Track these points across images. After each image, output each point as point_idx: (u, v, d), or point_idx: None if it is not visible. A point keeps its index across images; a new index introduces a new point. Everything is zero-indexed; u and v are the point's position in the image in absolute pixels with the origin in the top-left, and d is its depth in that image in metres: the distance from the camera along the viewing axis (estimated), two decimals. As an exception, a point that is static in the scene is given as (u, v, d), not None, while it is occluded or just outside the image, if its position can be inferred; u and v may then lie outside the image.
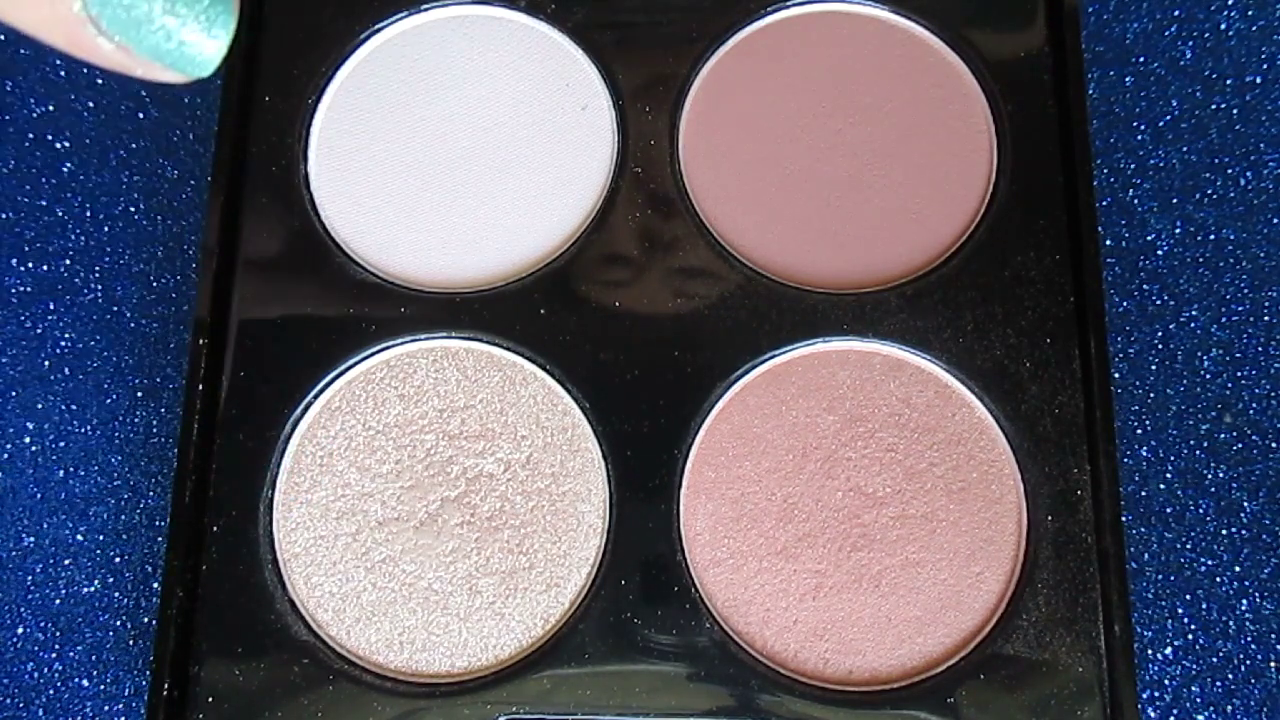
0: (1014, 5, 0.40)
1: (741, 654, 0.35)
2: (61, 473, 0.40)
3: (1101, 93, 0.43)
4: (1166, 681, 0.37)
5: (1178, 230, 0.41)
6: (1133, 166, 0.42)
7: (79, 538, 0.39)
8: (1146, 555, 0.38)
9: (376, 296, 0.38)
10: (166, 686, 0.34)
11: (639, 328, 0.37)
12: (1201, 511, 0.39)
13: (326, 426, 0.37)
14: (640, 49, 0.40)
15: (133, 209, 0.42)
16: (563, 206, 0.39)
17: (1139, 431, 0.39)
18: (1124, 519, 0.35)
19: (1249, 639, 0.38)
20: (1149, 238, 0.41)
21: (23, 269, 0.42)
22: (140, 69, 0.23)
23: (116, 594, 0.39)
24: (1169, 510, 0.39)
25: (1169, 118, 0.42)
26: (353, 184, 0.39)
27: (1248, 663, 0.37)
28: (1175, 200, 0.42)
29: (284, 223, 0.39)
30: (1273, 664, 0.37)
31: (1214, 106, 0.42)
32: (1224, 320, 0.40)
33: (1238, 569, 0.38)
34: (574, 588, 0.35)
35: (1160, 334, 0.40)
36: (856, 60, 0.40)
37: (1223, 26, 0.43)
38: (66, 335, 0.41)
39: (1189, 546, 0.38)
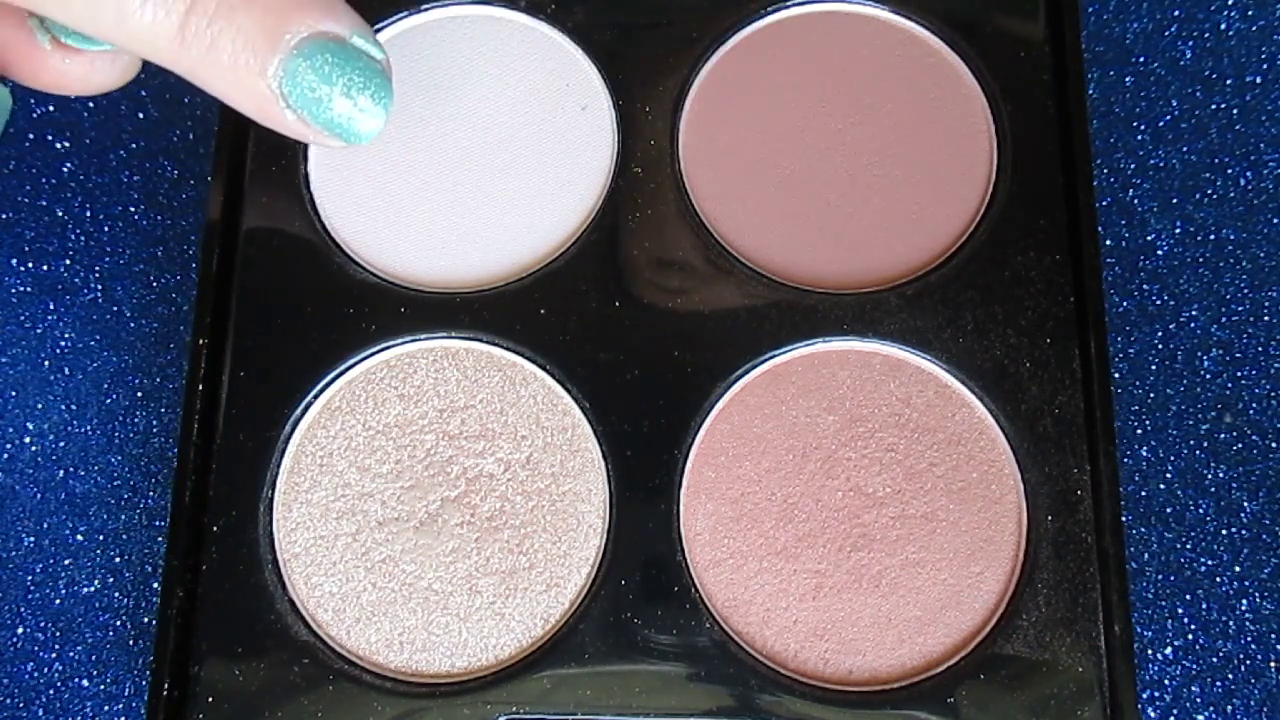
0: (1014, 5, 0.40)
1: (741, 654, 0.35)
2: (61, 473, 0.40)
3: (1101, 93, 0.43)
4: (1166, 681, 0.37)
5: (1178, 230, 0.41)
6: (1133, 166, 0.42)
7: (79, 538, 0.39)
8: (1146, 555, 0.38)
9: (376, 296, 0.38)
10: (166, 686, 0.34)
11: (639, 328, 0.37)
12: (1201, 511, 0.39)
13: (326, 426, 0.37)
14: (640, 49, 0.40)
15: (133, 209, 0.42)
16: (563, 206, 0.39)
17: (1139, 431, 0.39)
18: (1124, 519, 0.35)
19: (1249, 639, 0.38)
20: (1149, 238, 0.41)
21: (23, 269, 0.42)
22: (313, 136, 0.26)
23: (116, 594, 0.39)
24: (1169, 510, 0.39)
25: (1169, 118, 0.42)
26: (353, 184, 0.39)
27: (1248, 663, 0.37)
28: (1175, 200, 0.42)
29: (284, 223, 0.39)
30: (1273, 664, 0.37)
31: (1214, 106, 0.42)
32: (1224, 320, 0.40)
33: (1238, 569, 0.38)
34: (574, 588, 0.35)
35: (1160, 334, 0.40)
36: (856, 60, 0.40)
37: (1223, 26, 0.43)
38: (66, 335, 0.41)
39: (1189, 546, 0.38)
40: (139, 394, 0.41)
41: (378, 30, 0.40)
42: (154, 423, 0.40)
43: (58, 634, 0.38)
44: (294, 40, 0.25)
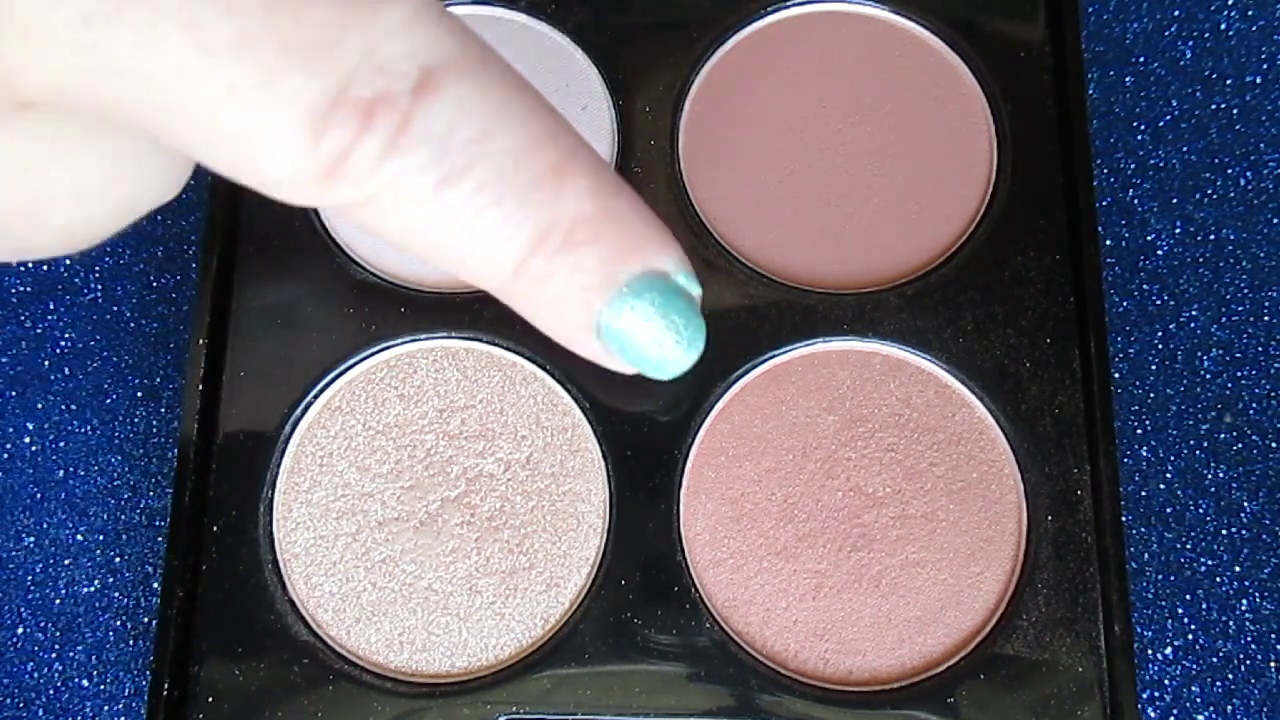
0: (1014, 5, 0.40)
1: (741, 654, 0.35)
2: (61, 473, 0.40)
3: (1101, 93, 0.43)
4: (1166, 681, 0.37)
5: (1178, 230, 0.41)
6: (1133, 166, 0.42)
7: (79, 538, 0.39)
8: (1146, 555, 0.38)
9: (376, 296, 0.38)
10: (166, 686, 0.34)
11: (639, 328, 0.37)
12: (1201, 511, 0.39)
13: (326, 426, 0.37)
14: (640, 49, 0.40)
15: (133, 209, 0.42)
16: (563, 206, 0.39)
17: (1139, 431, 0.39)
18: (1124, 519, 0.35)
19: (1249, 639, 0.38)
20: (1149, 238, 0.41)
21: (23, 269, 0.42)
22: (612, 364, 0.24)
23: (116, 594, 0.39)
24: (1169, 510, 0.39)
25: (1169, 118, 0.42)
26: (353, 184, 0.39)
27: (1248, 663, 0.37)
28: (1175, 200, 0.42)
29: (284, 223, 0.39)
30: (1273, 664, 0.37)
31: (1214, 106, 0.42)
32: (1224, 320, 0.40)
33: (1238, 569, 0.38)
34: (574, 588, 0.35)
35: (1160, 334, 0.40)
36: (856, 60, 0.40)
37: (1223, 26, 0.43)
38: (66, 335, 0.41)
39: (1189, 546, 0.38)
40: (139, 394, 0.41)
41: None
42: (154, 423, 0.40)
43: (58, 634, 0.38)
44: (627, 277, 0.22)
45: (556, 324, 0.23)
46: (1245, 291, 0.41)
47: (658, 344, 0.23)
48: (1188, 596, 0.38)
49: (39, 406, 0.40)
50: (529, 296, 0.22)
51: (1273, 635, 0.38)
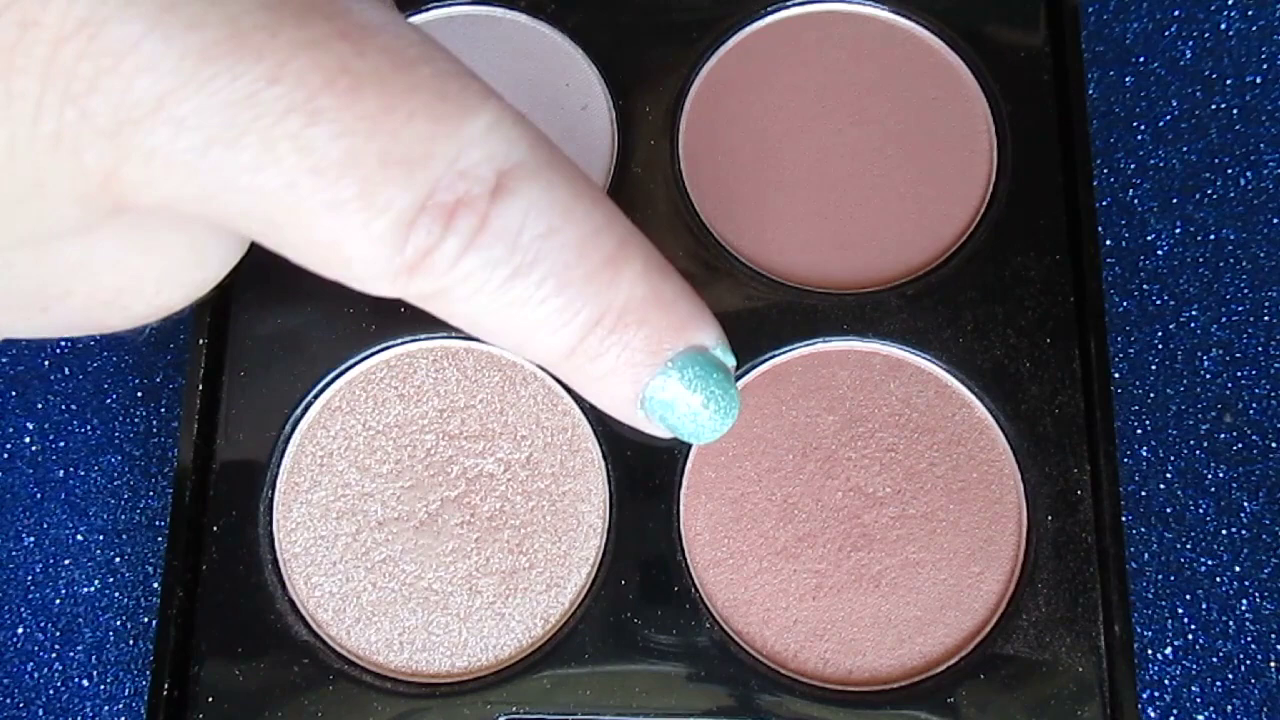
0: (1014, 5, 0.40)
1: (741, 654, 0.35)
2: (61, 473, 0.40)
3: (1101, 93, 0.43)
4: (1166, 681, 0.37)
5: (1178, 230, 0.41)
6: (1133, 166, 0.42)
7: (79, 538, 0.39)
8: (1146, 555, 0.38)
9: (376, 296, 0.38)
10: (166, 686, 0.34)
11: (639, 328, 0.37)
12: (1201, 511, 0.39)
13: (326, 426, 0.37)
14: (640, 49, 0.40)
15: (133, 209, 0.42)
16: (563, 206, 0.39)
17: (1139, 431, 0.39)
18: (1124, 519, 0.35)
19: (1249, 639, 0.38)
20: (1149, 238, 0.41)
21: (23, 269, 0.42)
22: (651, 429, 0.25)
23: (116, 594, 0.39)
24: (1169, 510, 0.39)
25: (1169, 118, 0.42)
26: (353, 184, 0.39)
27: (1248, 663, 0.37)
28: (1175, 200, 0.42)
29: (284, 223, 0.39)
30: (1273, 664, 0.37)
31: (1214, 106, 0.42)
32: (1224, 320, 0.40)
33: (1238, 569, 0.38)
34: (574, 588, 0.35)
35: (1160, 334, 0.40)
36: (856, 60, 0.40)
37: (1223, 26, 0.43)
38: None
39: (1189, 546, 0.38)
40: (139, 393, 0.41)
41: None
42: (154, 422, 0.40)
43: (58, 634, 0.38)
44: (671, 354, 0.24)
45: (605, 396, 0.24)
46: (1245, 291, 0.41)
47: (695, 414, 0.25)
48: (1188, 596, 0.38)
49: (39, 406, 0.40)
50: (581, 372, 0.23)
51: (1273, 635, 0.38)
